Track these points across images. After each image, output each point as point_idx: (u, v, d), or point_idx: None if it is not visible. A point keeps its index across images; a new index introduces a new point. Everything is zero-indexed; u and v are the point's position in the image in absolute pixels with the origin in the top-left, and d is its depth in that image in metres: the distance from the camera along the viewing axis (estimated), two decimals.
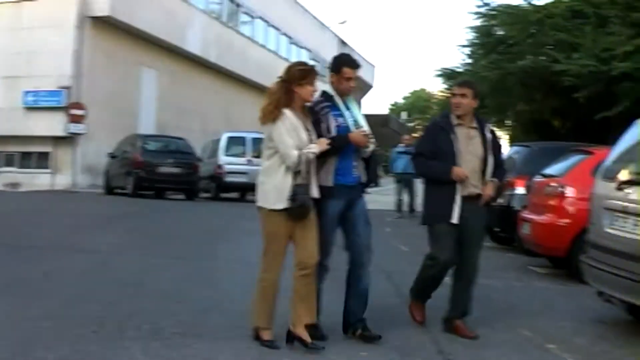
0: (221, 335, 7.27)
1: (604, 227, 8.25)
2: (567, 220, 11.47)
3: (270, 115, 6.74)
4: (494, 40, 26.09)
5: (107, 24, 34.17)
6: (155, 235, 15.51)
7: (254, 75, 46.34)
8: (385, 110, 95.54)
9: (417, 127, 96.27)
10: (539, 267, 12.87)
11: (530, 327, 8.31)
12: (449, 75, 28.32)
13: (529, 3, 24.24)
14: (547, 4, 23.57)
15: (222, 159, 28.78)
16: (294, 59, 54.27)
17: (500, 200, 14.44)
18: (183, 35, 39.02)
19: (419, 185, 23.74)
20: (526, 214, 12.66)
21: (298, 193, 6.64)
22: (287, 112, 6.73)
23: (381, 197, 25.44)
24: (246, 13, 47.85)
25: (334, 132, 7.03)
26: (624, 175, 8.26)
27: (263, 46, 49.69)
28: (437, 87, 54.70)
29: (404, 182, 23.23)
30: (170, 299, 8.89)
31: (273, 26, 51.32)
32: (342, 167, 7.08)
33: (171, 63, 39.19)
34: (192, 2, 40.77)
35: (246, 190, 30.55)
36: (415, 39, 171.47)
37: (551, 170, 12.68)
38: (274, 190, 6.73)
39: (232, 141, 29.46)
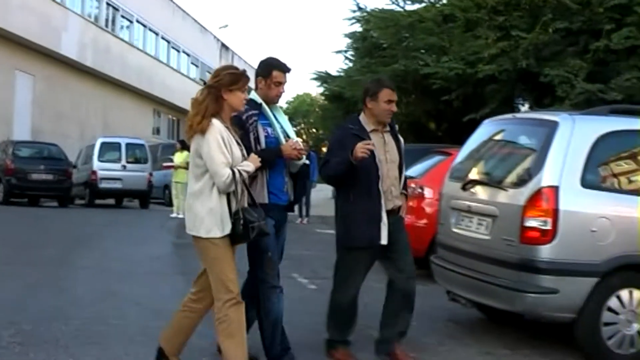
0: (62, 343, 7.10)
1: (451, 227, 8.34)
2: (425, 221, 11.57)
3: (198, 127, 5.82)
4: (368, 44, 26.31)
5: None
6: (16, 244, 15.01)
7: (133, 80, 45.69)
8: None
9: (301, 130, 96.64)
10: None
11: None
12: (324, 78, 28.42)
13: (403, 8, 24.45)
14: (419, 9, 23.84)
15: (96, 164, 28.30)
16: (173, 64, 54.00)
17: None
18: (58, 39, 38.16)
19: None
20: None
21: (253, 220, 5.86)
22: (217, 123, 5.88)
23: None
24: (124, 17, 47.14)
25: (263, 144, 6.39)
26: (469, 175, 8.37)
27: (142, 50, 49.00)
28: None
29: None
30: (14, 307, 8.66)
31: (152, 30, 50.68)
32: (274, 184, 6.47)
33: (47, 68, 38.21)
34: (68, 6, 39.90)
35: (121, 196, 30.23)
36: (298, 43, 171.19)
37: (411, 171, 12.76)
38: (209, 216, 5.84)
39: (107, 147, 29.04)
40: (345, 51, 28.29)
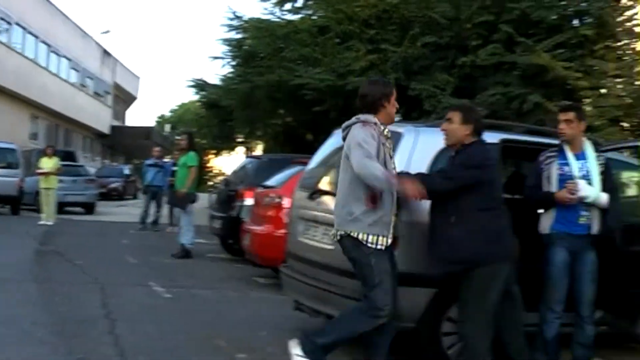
0: None
1: (298, 236, 8.34)
2: (283, 231, 11.53)
3: None
4: (244, 53, 26.21)
5: None
6: None
7: (10, 83, 44.47)
8: (152, 123, 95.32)
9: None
10: (264, 277, 12.93)
11: (228, 337, 8.34)
12: (201, 86, 28.26)
13: (279, 17, 24.48)
14: (295, 20, 23.90)
15: None
16: (53, 68, 52.83)
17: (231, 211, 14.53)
18: None
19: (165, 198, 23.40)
20: (248, 225, 12.70)
21: None
22: None
23: (133, 210, 25.43)
24: (3, 19, 45.97)
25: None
26: (318, 184, 8.39)
27: (21, 54, 47.72)
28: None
29: (151, 194, 23.10)
30: None
31: (31, 33, 49.46)
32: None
33: None
34: None
35: None
36: (181, 49, 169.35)
37: (271, 181, 12.82)
38: None
39: None
40: (222, 58, 28.15)
